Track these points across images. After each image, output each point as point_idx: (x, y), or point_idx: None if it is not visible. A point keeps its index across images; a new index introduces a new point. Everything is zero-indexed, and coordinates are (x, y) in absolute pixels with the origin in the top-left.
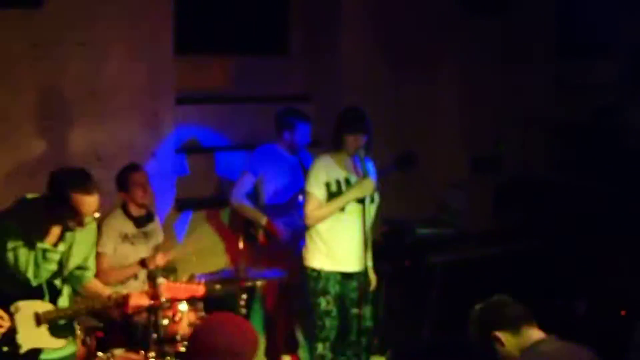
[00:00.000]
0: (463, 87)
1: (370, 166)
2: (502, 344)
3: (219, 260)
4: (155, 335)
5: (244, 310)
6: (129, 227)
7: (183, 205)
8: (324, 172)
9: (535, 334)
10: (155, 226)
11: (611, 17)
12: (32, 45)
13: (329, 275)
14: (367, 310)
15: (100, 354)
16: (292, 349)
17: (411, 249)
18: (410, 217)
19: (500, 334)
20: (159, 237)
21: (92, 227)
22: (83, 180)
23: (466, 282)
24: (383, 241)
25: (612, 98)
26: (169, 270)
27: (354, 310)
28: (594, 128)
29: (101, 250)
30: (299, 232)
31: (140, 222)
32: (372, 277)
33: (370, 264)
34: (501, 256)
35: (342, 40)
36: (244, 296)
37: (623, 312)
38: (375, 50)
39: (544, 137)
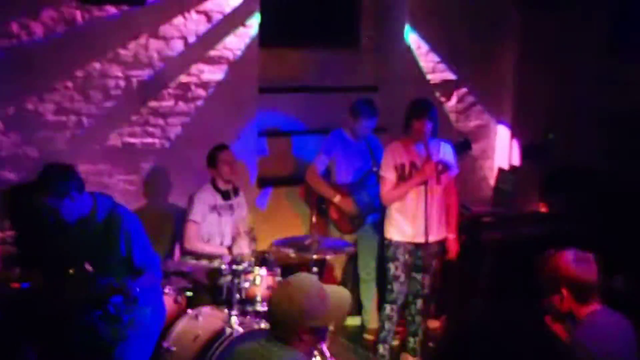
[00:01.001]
0: (516, 80)
1: (448, 148)
2: (561, 301)
3: (295, 231)
4: (237, 296)
5: (316, 277)
6: (217, 200)
7: (264, 182)
8: (393, 158)
9: (595, 305)
10: (240, 200)
11: None
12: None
13: (399, 245)
14: (426, 279)
15: (189, 310)
16: (358, 311)
17: (467, 226)
18: (467, 198)
19: (566, 293)
20: (243, 210)
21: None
22: None
23: (516, 259)
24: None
25: None
26: (251, 239)
27: (417, 276)
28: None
29: (192, 219)
30: (366, 209)
31: (227, 195)
32: (452, 247)
33: (451, 235)
34: (547, 235)
35: (404, 38)
36: (315, 269)
37: None
38: (437, 45)
39: (589, 127)
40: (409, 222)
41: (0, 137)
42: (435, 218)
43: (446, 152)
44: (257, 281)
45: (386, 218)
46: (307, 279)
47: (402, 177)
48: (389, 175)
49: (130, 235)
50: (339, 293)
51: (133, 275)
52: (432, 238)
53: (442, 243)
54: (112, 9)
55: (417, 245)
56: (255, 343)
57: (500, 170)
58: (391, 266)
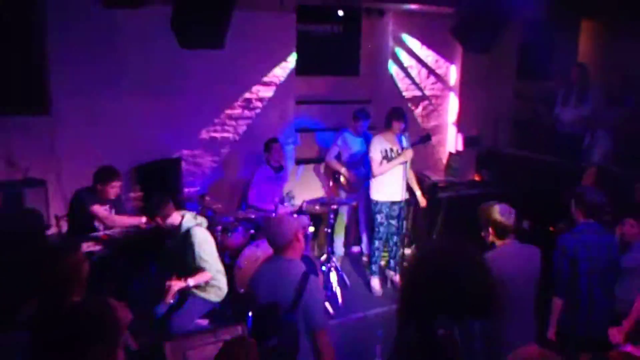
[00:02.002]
0: (460, 95)
1: (404, 139)
2: (488, 236)
3: (318, 193)
4: None
5: (332, 221)
6: (270, 173)
7: (299, 161)
8: (379, 145)
9: (509, 240)
10: (284, 173)
11: None
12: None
13: (383, 203)
14: (402, 222)
15: (252, 242)
16: (358, 243)
17: (429, 189)
18: (429, 171)
19: (491, 230)
20: (286, 180)
21: None
22: None
23: (460, 210)
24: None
25: None
26: (291, 197)
27: (396, 222)
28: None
29: (253, 185)
30: (362, 178)
31: (276, 170)
32: (421, 200)
33: (418, 193)
34: (479, 195)
35: (387, 68)
36: (332, 215)
37: (552, 229)
38: (409, 74)
39: (505, 126)
40: (391, 187)
41: (132, 133)
42: (405, 184)
43: (405, 142)
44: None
45: (372, 186)
46: (280, 216)
47: (385, 158)
48: (376, 156)
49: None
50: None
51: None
52: (403, 197)
53: (406, 200)
54: (201, 51)
55: (393, 202)
56: (269, 261)
57: (450, 154)
58: (378, 217)
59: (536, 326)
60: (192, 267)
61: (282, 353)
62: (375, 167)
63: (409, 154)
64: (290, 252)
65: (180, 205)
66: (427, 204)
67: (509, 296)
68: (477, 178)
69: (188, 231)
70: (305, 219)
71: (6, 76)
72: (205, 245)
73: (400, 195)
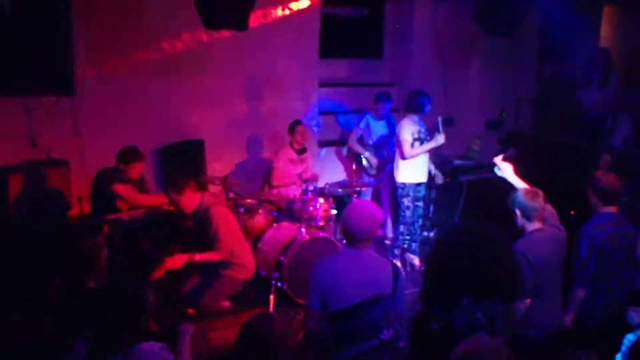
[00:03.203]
0: (484, 79)
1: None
2: (516, 219)
3: (341, 175)
4: (305, 215)
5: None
6: (293, 155)
7: (321, 143)
8: (409, 127)
9: (538, 224)
10: (307, 155)
11: None
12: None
13: (409, 185)
14: (423, 204)
15: (274, 224)
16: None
17: (450, 172)
18: (450, 153)
19: (519, 213)
20: (309, 161)
21: None
22: None
23: (480, 192)
24: (435, 166)
25: None
26: (314, 180)
27: (419, 204)
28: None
29: (276, 166)
30: (386, 162)
31: (299, 152)
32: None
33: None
34: (501, 178)
35: (413, 50)
36: (355, 195)
37: (573, 212)
38: (432, 57)
39: (525, 109)
40: (417, 169)
41: (157, 114)
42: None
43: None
44: (317, 206)
45: (399, 169)
46: (365, 202)
47: (417, 139)
48: (407, 138)
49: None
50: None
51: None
52: (426, 178)
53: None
54: (226, 32)
55: (418, 184)
56: (344, 252)
57: (471, 136)
58: (404, 200)
59: (561, 309)
60: (209, 246)
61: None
62: (408, 150)
63: (441, 139)
64: (368, 246)
65: (203, 187)
66: (448, 186)
67: (540, 280)
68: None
69: (207, 210)
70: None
71: (32, 56)
72: (223, 223)
73: (425, 176)
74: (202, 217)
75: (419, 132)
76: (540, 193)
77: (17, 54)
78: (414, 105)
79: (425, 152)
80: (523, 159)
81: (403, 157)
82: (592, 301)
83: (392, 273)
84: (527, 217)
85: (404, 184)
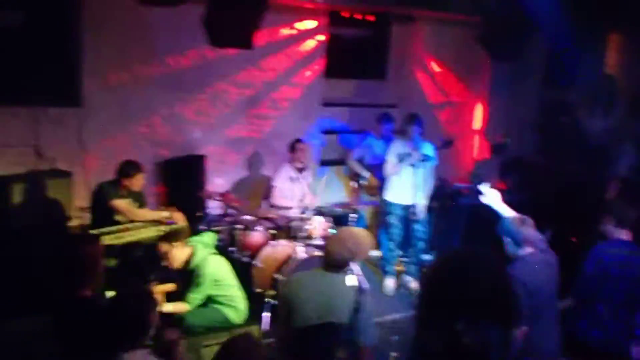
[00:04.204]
0: (486, 103)
1: (429, 147)
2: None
3: (341, 194)
4: (302, 234)
5: (353, 222)
6: (294, 173)
7: (323, 162)
8: (396, 149)
9: (529, 249)
10: (307, 174)
11: None
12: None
13: (393, 204)
14: (420, 226)
15: (272, 241)
16: (378, 247)
17: (451, 195)
18: (451, 177)
19: (509, 241)
20: (309, 179)
21: None
22: None
23: (482, 217)
24: (435, 189)
25: None
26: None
27: (413, 227)
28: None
29: (275, 185)
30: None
31: (300, 171)
32: (420, 210)
33: (421, 201)
34: (504, 202)
35: (414, 73)
36: (354, 215)
37: (574, 239)
38: (436, 81)
39: (530, 134)
40: (400, 189)
41: (160, 128)
42: (418, 189)
43: (428, 149)
44: (316, 224)
45: (385, 187)
46: (350, 230)
47: (400, 160)
48: (391, 159)
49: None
50: (366, 236)
51: None
52: (417, 201)
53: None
54: (231, 50)
55: (408, 206)
56: (315, 271)
57: (475, 160)
58: (389, 218)
59: (560, 333)
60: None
61: None
62: (388, 168)
63: (416, 156)
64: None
65: (201, 205)
66: (449, 210)
67: (536, 305)
68: (500, 185)
69: (198, 265)
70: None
71: (41, 68)
72: (216, 277)
73: (410, 198)
74: (193, 269)
75: (406, 155)
76: (529, 220)
77: (26, 65)
78: (402, 128)
79: (413, 173)
80: (525, 184)
81: (384, 174)
82: (593, 324)
83: (353, 304)
84: (517, 244)
85: (389, 202)
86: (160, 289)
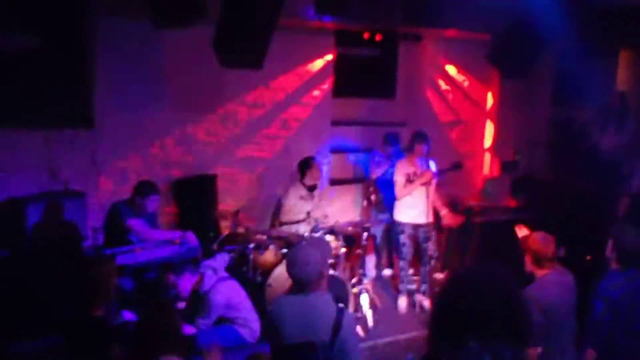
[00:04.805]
0: (496, 120)
1: (433, 164)
2: (527, 264)
3: (352, 213)
4: None
5: (364, 242)
6: (304, 191)
7: (333, 181)
8: (402, 168)
9: (547, 270)
10: (317, 192)
11: None
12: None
13: (405, 224)
14: (431, 245)
15: (284, 261)
16: (390, 265)
17: (463, 212)
18: (464, 195)
19: (530, 258)
20: (318, 199)
21: None
22: None
23: (493, 235)
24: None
25: None
26: (323, 217)
27: (424, 245)
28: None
29: (285, 203)
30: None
31: (310, 189)
32: (451, 219)
33: (443, 212)
34: (514, 220)
35: (423, 92)
36: (365, 234)
37: (588, 257)
38: (445, 98)
39: (541, 151)
40: (413, 209)
41: (171, 149)
42: (429, 207)
43: (433, 166)
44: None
45: (396, 208)
46: (309, 248)
47: (409, 181)
48: (399, 179)
49: None
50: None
51: None
52: (428, 219)
53: (435, 223)
54: (241, 71)
55: (419, 225)
56: (294, 296)
57: (485, 178)
58: (400, 237)
59: (576, 355)
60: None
61: None
62: (399, 190)
63: (427, 175)
64: (317, 287)
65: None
66: (460, 228)
67: (552, 326)
68: (512, 203)
69: (207, 292)
70: (330, 250)
71: (55, 90)
72: (226, 302)
73: (423, 217)
74: (202, 295)
75: (413, 174)
76: (553, 240)
77: (40, 87)
78: (409, 145)
79: (425, 192)
80: (537, 203)
81: (397, 197)
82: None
83: (333, 323)
84: (538, 262)
85: (399, 222)
86: None
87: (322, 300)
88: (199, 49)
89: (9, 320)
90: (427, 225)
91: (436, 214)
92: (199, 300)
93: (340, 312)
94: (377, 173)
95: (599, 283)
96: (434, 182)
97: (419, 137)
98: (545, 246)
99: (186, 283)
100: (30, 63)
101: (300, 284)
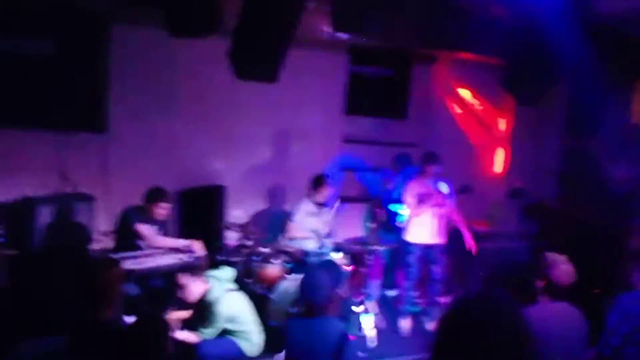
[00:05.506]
0: (507, 147)
1: (445, 186)
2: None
3: (359, 232)
4: None
5: (369, 262)
6: (312, 208)
7: (342, 198)
8: (413, 189)
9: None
10: (326, 209)
11: None
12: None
13: (413, 244)
14: (438, 268)
15: (289, 275)
16: (395, 286)
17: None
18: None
19: (544, 283)
20: (328, 215)
21: None
22: None
23: (499, 261)
24: (453, 232)
25: None
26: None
27: (431, 267)
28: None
29: (293, 220)
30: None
31: (319, 206)
32: (471, 242)
33: (439, 241)
34: (520, 247)
35: (436, 114)
36: (370, 256)
37: (597, 290)
38: (454, 121)
39: (549, 180)
40: (421, 230)
41: (181, 158)
42: (439, 228)
43: (445, 188)
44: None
45: (406, 228)
46: (321, 272)
47: (420, 202)
48: (410, 200)
49: None
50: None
51: None
52: (438, 241)
53: (444, 245)
54: (254, 84)
55: (428, 246)
56: (301, 318)
57: (492, 203)
58: (409, 257)
59: None
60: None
61: None
62: (409, 210)
63: (440, 198)
64: (325, 312)
65: (219, 235)
66: (467, 252)
67: (550, 356)
68: (519, 230)
69: (213, 303)
70: (342, 276)
71: (68, 95)
72: (231, 314)
73: (431, 238)
74: (207, 304)
75: (424, 195)
76: (575, 274)
77: (53, 91)
78: (420, 166)
79: (433, 214)
80: (545, 230)
81: (407, 218)
82: None
83: (336, 348)
84: (552, 293)
85: (407, 242)
86: (176, 315)
87: (328, 325)
88: (213, 60)
89: (14, 320)
90: (436, 246)
91: (452, 238)
92: (203, 309)
93: (343, 337)
94: (388, 185)
95: (621, 295)
96: (449, 203)
97: (430, 158)
98: (567, 280)
99: (196, 289)
100: (46, 68)
101: (308, 307)
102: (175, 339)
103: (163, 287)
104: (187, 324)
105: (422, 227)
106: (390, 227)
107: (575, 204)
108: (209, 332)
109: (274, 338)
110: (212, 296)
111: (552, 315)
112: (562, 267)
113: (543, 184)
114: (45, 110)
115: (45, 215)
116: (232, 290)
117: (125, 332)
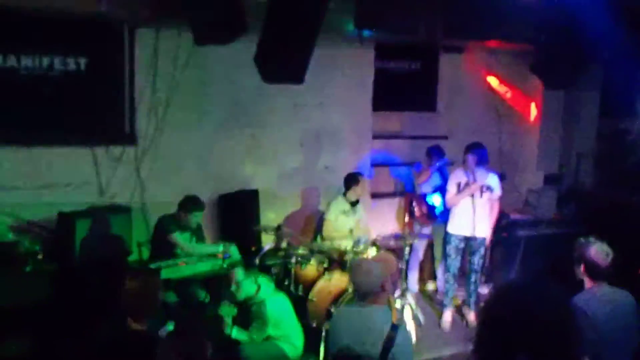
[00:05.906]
0: (541, 132)
1: (493, 178)
2: (579, 272)
3: (394, 227)
4: None
5: (407, 257)
6: (346, 206)
7: (374, 195)
8: (455, 178)
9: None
10: (360, 207)
11: None
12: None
13: (453, 235)
14: (476, 259)
15: (325, 274)
16: (433, 279)
17: (507, 227)
18: (508, 208)
19: (583, 268)
20: (362, 213)
21: None
22: None
23: (538, 248)
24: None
25: None
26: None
27: (470, 258)
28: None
29: (327, 218)
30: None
31: (353, 204)
32: (480, 242)
33: (482, 233)
34: (559, 234)
35: (465, 104)
36: (407, 249)
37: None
38: (487, 111)
39: (586, 164)
40: (460, 220)
41: (213, 164)
42: (479, 220)
43: (492, 179)
44: (370, 257)
45: (449, 219)
46: (369, 261)
47: (459, 190)
48: (451, 188)
49: None
50: (390, 259)
51: None
52: (477, 233)
53: (487, 236)
54: (282, 85)
55: (468, 237)
56: (351, 306)
57: (529, 191)
58: (447, 248)
59: None
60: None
61: None
62: (448, 198)
63: (474, 187)
64: (376, 300)
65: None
66: (505, 241)
67: (600, 341)
68: (557, 216)
69: (260, 305)
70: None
71: (100, 110)
72: (276, 317)
73: (470, 230)
74: (256, 304)
75: (465, 184)
76: (612, 253)
77: (84, 106)
78: (463, 156)
79: (472, 204)
80: (583, 215)
81: (446, 205)
82: None
83: (385, 338)
84: (591, 275)
85: (447, 233)
86: (227, 312)
87: (378, 314)
88: (240, 64)
89: (55, 331)
90: (474, 238)
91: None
92: (248, 309)
93: (394, 328)
94: (422, 180)
95: None
96: (490, 194)
97: (468, 148)
98: (602, 259)
99: (247, 288)
100: (76, 83)
101: (360, 293)
102: (216, 343)
103: (201, 294)
104: (235, 321)
105: (462, 218)
106: (429, 218)
107: (612, 187)
108: (259, 337)
109: (313, 338)
110: (258, 298)
111: (600, 298)
112: (595, 247)
113: (579, 168)
114: (80, 125)
115: (83, 229)
116: (276, 292)
117: (163, 342)
